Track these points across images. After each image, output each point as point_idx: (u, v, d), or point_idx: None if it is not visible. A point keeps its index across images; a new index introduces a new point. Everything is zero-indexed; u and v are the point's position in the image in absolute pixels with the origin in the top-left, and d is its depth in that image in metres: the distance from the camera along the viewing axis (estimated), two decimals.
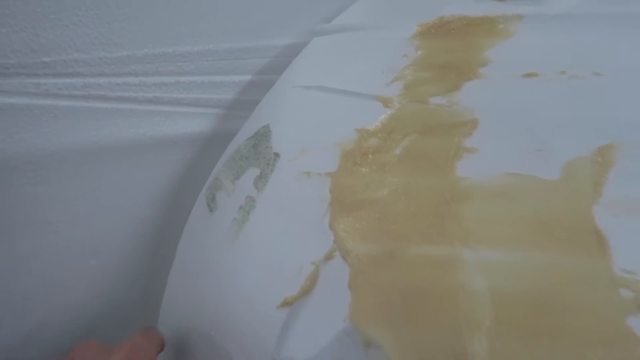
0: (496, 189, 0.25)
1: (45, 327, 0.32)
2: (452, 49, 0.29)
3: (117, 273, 0.35)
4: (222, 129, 0.38)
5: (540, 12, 0.30)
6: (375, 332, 0.22)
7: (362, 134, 0.27)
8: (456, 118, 0.27)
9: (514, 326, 0.21)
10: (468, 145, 0.26)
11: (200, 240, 0.32)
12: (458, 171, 0.25)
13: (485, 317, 0.21)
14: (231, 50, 0.38)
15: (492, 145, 0.26)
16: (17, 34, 0.25)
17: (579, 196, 0.24)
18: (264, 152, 0.31)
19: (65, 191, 0.31)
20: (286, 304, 0.25)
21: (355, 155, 0.27)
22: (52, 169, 0.30)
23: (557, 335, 0.21)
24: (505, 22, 0.30)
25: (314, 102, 0.31)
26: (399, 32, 0.31)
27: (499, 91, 0.27)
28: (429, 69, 0.29)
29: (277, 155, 0.30)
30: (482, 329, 0.21)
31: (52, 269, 0.32)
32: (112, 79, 0.30)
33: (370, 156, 0.27)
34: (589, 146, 0.25)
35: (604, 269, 0.22)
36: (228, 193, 0.32)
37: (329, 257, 0.24)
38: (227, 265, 0.29)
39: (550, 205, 0.24)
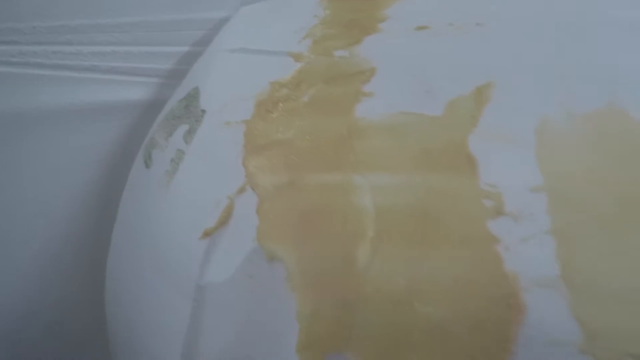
0: (388, 126, 0.28)
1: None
2: (356, 9, 0.32)
3: (66, 232, 0.38)
4: (160, 96, 0.41)
5: None
6: (277, 248, 0.25)
7: (274, 85, 0.31)
8: (356, 67, 0.30)
9: (393, 235, 0.25)
10: (366, 90, 0.29)
11: (138, 193, 0.35)
12: (356, 113, 0.29)
13: (369, 229, 0.25)
14: (167, 22, 0.40)
15: (386, 89, 0.29)
16: None
17: (457, 128, 0.27)
18: (194, 110, 0.34)
19: (9, 154, 0.34)
20: (206, 234, 0.28)
21: (267, 104, 0.30)
22: None
23: (429, 240, 0.24)
24: None
25: (236, 63, 0.34)
26: None
27: (394, 43, 0.31)
28: (335, 27, 0.32)
29: (203, 111, 0.33)
30: (366, 239, 0.25)
31: (1, 228, 0.35)
32: (48, 47, 0.33)
33: (280, 104, 0.30)
34: (469, 86, 0.29)
35: (471, 185, 0.25)
36: (162, 149, 0.35)
37: (241, 191, 0.28)
38: (159, 211, 0.32)
39: (432, 136, 0.27)
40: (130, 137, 0.40)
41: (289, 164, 0.27)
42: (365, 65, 0.30)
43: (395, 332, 0.24)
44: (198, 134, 0.32)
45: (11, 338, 0.37)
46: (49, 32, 0.33)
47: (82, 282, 0.39)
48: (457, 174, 0.26)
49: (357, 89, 0.30)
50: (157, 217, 0.32)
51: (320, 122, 0.29)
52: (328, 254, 0.25)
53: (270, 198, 0.26)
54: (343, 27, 0.32)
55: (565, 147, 0.26)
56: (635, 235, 0.23)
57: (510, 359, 0.23)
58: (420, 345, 0.23)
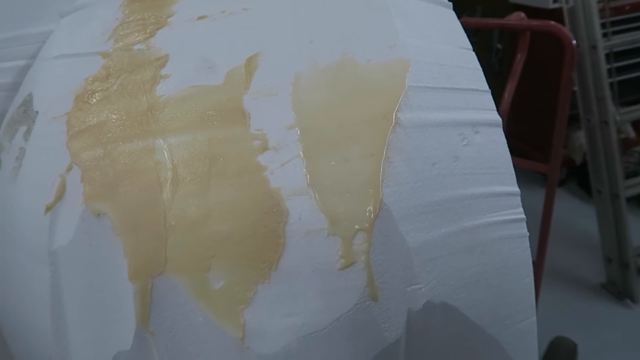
0: (181, 98, 0.36)
1: None
2: (148, 7, 0.40)
3: None
4: (6, 108, 0.46)
5: None
6: (100, 205, 0.32)
7: (87, 80, 0.37)
8: (153, 56, 0.37)
9: (187, 178, 0.32)
10: (163, 74, 0.37)
11: None
12: (157, 92, 0.36)
13: (169, 177, 0.33)
14: (5, 39, 0.45)
15: (178, 70, 0.37)
16: None
17: (233, 91, 0.36)
18: (30, 113, 0.40)
19: None
20: (48, 209, 0.34)
21: (84, 96, 0.37)
22: None
23: (213, 175, 0.32)
24: None
25: (58, 67, 0.40)
26: (115, 2, 0.41)
27: (181, 32, 0.38)
28: (132, 26, 0.39)
29: (37, 112, 0.39)
30: (167, 184, 0.32)
31: None
32: None
33: (95, 94, 0.37)
34: (242, 58, 0.37)
35: (243, 132, 0.34)
36: (7, 151, 0.40)
37: (69, 168, 0.34)
38: (11, 201, 0.38)
39: (214, 100, 0.35)
40: None
41: (103, 140, 0.34)
42: (160, 54, 0.38)
43: (197, 248, 0.32)
44: (34, 131, 0.38)
45: None
46: None
47: None
48: (233, 125, 0.34)
49: (155, 73, 0.37)
50: (10, 206, 0.38)
51: (127, 103, 0.36)
52: (139, 202, 0.32)
53: (89, 168, 0.33)
54: (139, 25, 0.39)
55: (311, 92, 0.35)
56: (350, 146, 0.33)
57: (282, 249, 0.32)
58: (218, 255, 0.32)
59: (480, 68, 0.41)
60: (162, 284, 0.32)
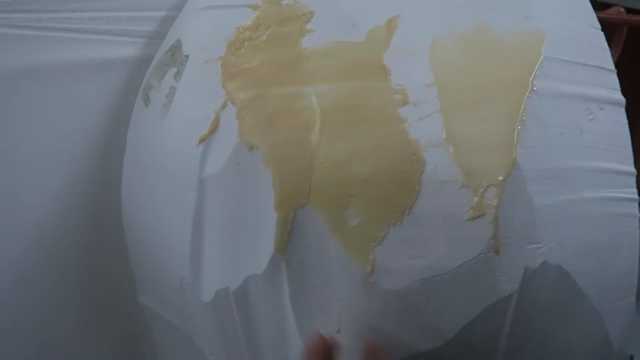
0: (325, 51, 0.39)
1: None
2: None
3: (82, 165, 0.47)
4: (146, 53, 0.50)
5: None
6: (254, 139, 0.36)
7: (239, 30, 0.41)
8: (299, 12, 0.41)
9: (333, 122, 0.35)
10: (308, 28, 0.40)
11: (140, 126, 0.45)
12: (302, 44, 0.39)
13: (317, 120, 0.36)
14: None
15: (323, 26, 0.40)
16: None
17: (374, 48, 0.38)
18: (179, 57, 0.44)
19: (29, 102, 0.43)
20: (202, 140, 0.38)
21: (236, 44, 0.40)
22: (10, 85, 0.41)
23: (357, 122, 0.35)
24: None
25: (208, 17, 0.44)
26: None
27: None
28: None
29: (187, 56, 0.43)
30: (315, 127, 0.35)
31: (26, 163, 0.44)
32: (57, 14, 0.42)
33: (246, 43, 0.40)
34: (383, 19, 0.40)
35: (385, 85, 0.36)
36: (157, 89, 0.44)
37: (224, 106, 0.38)
38: (161, 134, 0.42)
39: (356, 55, 0.38)
40: (125, 86, 0.49)
41: (256, 83, 0.38)
42: (306, 10, 0.41)
43: (339, 186, 0.35)
44: (185, 73, 0.42)
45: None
46: (58, 2, 0.41)
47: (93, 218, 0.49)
48: (375, 79, 0.37)
49: (301, 27, 0.40)
50: (159, 139, 0.42)
51: (276, 53, 0.39)
52: (290, 140, 0.35)
53: (245, 107, 0.37)
54: None
55: (448, 55, 0.38)
56: (487, 106, 0.35)
57: (417, 195, 0.34)
58: (357, 194, 0.35)
59: (608, 48, 0.42)
60: (303, 216, 0.35)
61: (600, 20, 1.03)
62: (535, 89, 0.36)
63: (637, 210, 0.41)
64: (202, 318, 0.42)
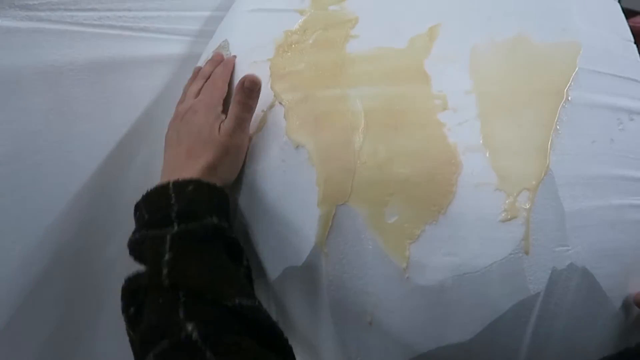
0: (369, 56, 0.41)
1: None
2: None
3: (128, 152, 0.50)
4: (192, 51, 0.53)
5: None
6: (301, 138, 0.38)
7: (287, 33, 0.43)
8: (345, 17, 0.43)
9: (376, 125, 0.38)
10: (353, 33, 0.42)
11: None
12: (347, 49, 0.41)
13: (361, 122, 0.38)
14: None
15: (367, 32, 0.42)
16: None
17: (416, 55, 0.40)
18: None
19: (88, 92, 0.45)
20: (250, 138, 0.41)
21: (284, 46, 0.42)
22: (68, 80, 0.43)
23: (399, 127, 0.37)
24: None
25: (256, 20, 0.46)
26: None
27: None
28: None
29: (234, 56, 0.46)
30: (359, 129, 0.38)
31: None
32: (115, 13, 0.45)
33: (293, 46, 0.42)
34: (424, 27, 0.42)
35: (426, 91, 0.38)
36: None
37: (272, 106, 0.40)
38: None
39: (399, 61, 0.40)
40: (171, 81, 0.52)
41: (303, 85, 0.40)
42: (352, 16, 0.43)
43: (380, 185, 0.37)
44: (234, 71, 0.45)
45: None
46: (117, 1, 0.44)
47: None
48: (416, 85, 0.39)
49: (346, 32, 0.42)
50: None
51: (322, 56, 0.41)
52: (335, 140, 0.38)
53: (292, 108, 0.39)
54: None
55: (488, 63, 0.39)
56: (523, 114, 0.37)
57: (453, 197, 0.36)
58: (396, 193, 0.37)
59: (639, 60, 0.43)
60: (344, 212, 0.37)
61: (631, 29, 1.02)
62: (570, 98, 0.38)
63: None
64: None
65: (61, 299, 0.47)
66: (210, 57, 0.47)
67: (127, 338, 0.34)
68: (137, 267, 0.35)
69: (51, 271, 0.45)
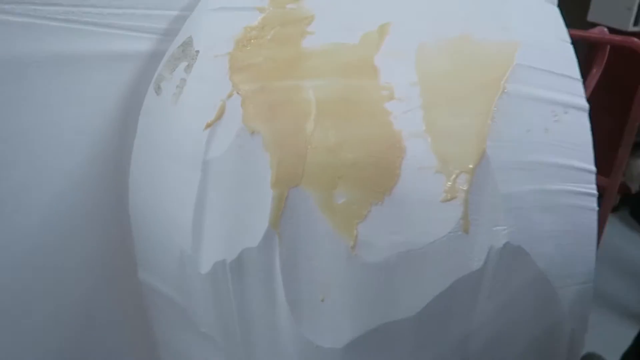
0: (323, 51, 0.43)
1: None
2: None
3: (97, 147, 0.52)
4: (159, 49, 0.55)
5: None
6: (256, 125, 0.40)
7: (246, 29, 0.45)
8: (302, 15, 0.45)
9: (327, 113, 0.40)
10: (309, 30, 0.45)
11: (151, 113, 0.50)
12: (303, 45, 0.44)
13: (313, 111, 0.40)
14: None
15: (322, 29, 0.45)
16: None
17: (367, 50, 0.43)
18: (190, 52, 0.49)
19: (51, 86, 0.47)
20: (208, 126, 0.43)
21: (243, 41, 0.45)
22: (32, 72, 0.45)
23: (349, 114, 0.40)
24: None
25: (218, 18, 0.49)
26: None
27: None
28: None
29: (197, 51, 0.48)
30: (311, 117, 0.40)
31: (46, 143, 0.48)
32: (80, 9, 0.47)
33: (252, 41, 0.45)
34: (376, 25, 0.44)
35: (374, 83, 0.41)
36: (168, 81, 0.49)
37: (230, 95, 0.42)
38: (171, 120, 0.46)
39: (351, 56, 0.43)
40: (138, 77, 0.53)
41: (260, 77, 0.42)
42: (308, 14, 0.46)
43: (329, 169, 0.39)
44: (195, 66, 0.47)
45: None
46: None
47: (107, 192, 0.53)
48: (366, 77, 0.42)
49: (302, 29, 0.45)
50: (169, 125, 0.46)
51: (279, 51, 0.44)
52: (288, 126, 0.40)
53: (249, 97, 0.41)
54: None
55: (433, 59, 0.43)
56: (463, 104, 0.40)
57: (397, 178, 0.39)
58: (345, 176, 0.39)
59: (575, 59, 0.47)
60: (296, 195, 0.40)
61: (584, 38, 1.07)
62: (506, 90, 0.41)
63: (595, 205, 0.46)
64: (199, 290, 0.47)
65: None
66: (173, 54, 0.49)
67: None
68: None
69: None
